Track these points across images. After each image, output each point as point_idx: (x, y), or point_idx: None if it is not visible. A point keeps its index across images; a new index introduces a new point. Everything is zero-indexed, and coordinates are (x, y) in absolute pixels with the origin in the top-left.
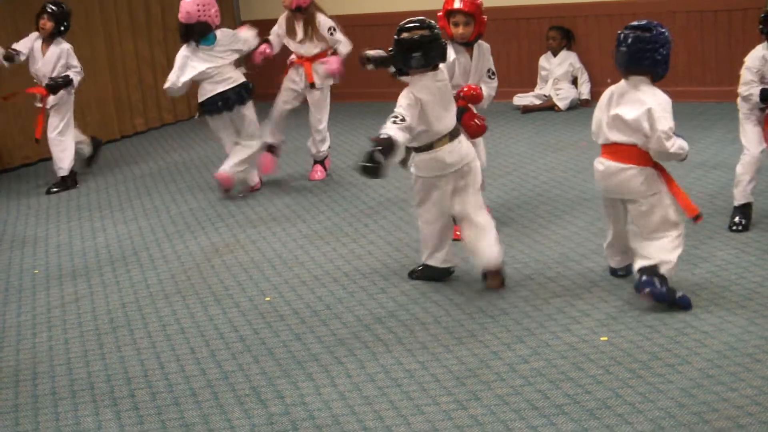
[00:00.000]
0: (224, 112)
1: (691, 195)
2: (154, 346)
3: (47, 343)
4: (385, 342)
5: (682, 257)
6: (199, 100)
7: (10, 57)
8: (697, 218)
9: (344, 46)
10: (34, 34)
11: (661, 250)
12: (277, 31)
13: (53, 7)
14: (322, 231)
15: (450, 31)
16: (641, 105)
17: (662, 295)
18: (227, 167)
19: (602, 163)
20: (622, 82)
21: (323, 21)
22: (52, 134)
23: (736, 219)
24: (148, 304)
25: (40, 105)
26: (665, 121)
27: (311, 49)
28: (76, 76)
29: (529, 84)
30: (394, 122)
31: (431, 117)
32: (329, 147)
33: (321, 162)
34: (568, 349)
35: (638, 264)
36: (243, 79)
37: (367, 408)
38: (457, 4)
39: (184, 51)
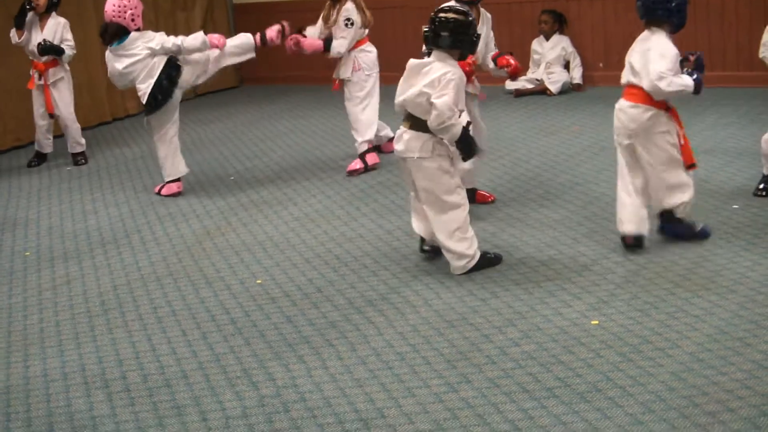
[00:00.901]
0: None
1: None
2: (145, 328)
3: (38, 326)
4: (376, 325)
5: (674, 241)
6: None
7: (45, 49)
8: (691, 167)
9: (340, 45)
10: (29, 15)
11: (673, 195)
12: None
13: None
14: (314, 214)
15: None
16: (647, 50)
17: (682, 235)
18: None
19: (618, 102)
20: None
21: (348, 8)
22: (64, 111)
23: (761, 186)
24: (139, 287)
25: (41, 83)
26: (658, 64)
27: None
28: (68, 50)
29: (522, 68)
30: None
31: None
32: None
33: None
34: (559, 332)
35: (657, 209)
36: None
37: (359, 390)
38: None
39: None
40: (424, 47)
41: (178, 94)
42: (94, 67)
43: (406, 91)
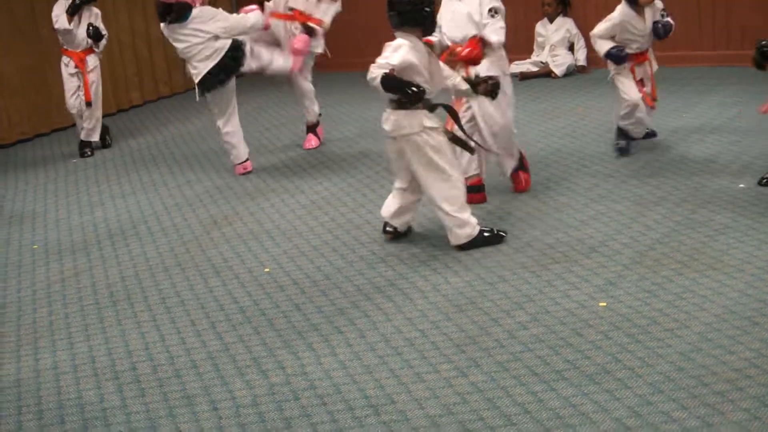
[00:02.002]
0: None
1: (689, 160)
2: (154, 319)
3: (48, 318)
4: (384, 311)
5: (680, 222)
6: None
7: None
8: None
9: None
10: (61, 6)
11: None
12: None
13: None
14: (321, 201)
15: None
16: None
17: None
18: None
19: None
20: None
21: None
22: (97, 100)
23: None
24: (147, 278)
25: (76, 71)
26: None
27: (310, 7)
28: (100, 36)
29: (526, 51)
30: None
31: None
32: (320, 114)
33: (314, 129)
34: (567, 315)
35: None
36: (228, 43)
37: (368, 377)
38: None
39: (161, 26)
40: None
41: (233, 80)
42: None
43: None
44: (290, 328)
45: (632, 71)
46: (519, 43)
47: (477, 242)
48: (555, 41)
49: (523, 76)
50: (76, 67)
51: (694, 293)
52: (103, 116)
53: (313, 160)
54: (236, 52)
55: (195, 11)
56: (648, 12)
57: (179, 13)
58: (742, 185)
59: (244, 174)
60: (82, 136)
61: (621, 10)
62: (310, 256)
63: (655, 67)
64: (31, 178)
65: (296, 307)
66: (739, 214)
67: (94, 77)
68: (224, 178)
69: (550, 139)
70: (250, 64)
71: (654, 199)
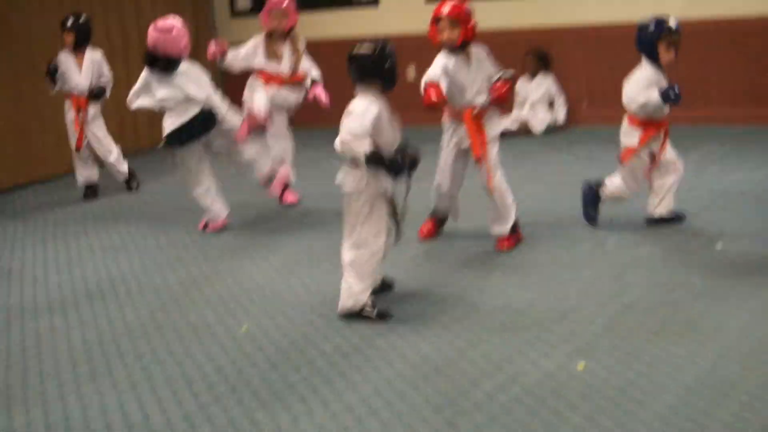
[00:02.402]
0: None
1: (665, 221)
2: (130, 378)
3: (21, 377)
4: (363, 371)
5: (657, 284)
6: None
7: (54, 70)
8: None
9: (316, 69)
10: (63, 52)
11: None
12: (244, 54)
13: (70, 21)
14: (303, 260)
15: (437, 38)
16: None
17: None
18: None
19: None
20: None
21: (302, 41)
22: (102, 148)
23: None
24: (124, 337)
25: (81, 116)
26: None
27: (289, 69)
28: (108, 84)
29: (506, 108)
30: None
31: None
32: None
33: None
34: (546, 377)
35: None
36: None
37: None
38: (444, 10)
39: (145, 73)
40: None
41: (196, 147)
42: None
43: None
44: (268, 389)
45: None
46: None
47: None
48: (535, 99)
49: (503, 134)
50: (79, 112)
51: (669, 357)
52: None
53: (294, 217)
54: (207, 118)
55: (183, 66)
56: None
57: (167, 66)
58: (719, 247)
59: (214, 231)
60: (119, 178)
61: (648, 68)
62: (289, 316)
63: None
64: (9, 233)
65: (274, 367)
66: (715, 277)
67: (99, 124)
68: (205, 237)
69: (530, 199)
70: (220, 143)
71: (630, 261)
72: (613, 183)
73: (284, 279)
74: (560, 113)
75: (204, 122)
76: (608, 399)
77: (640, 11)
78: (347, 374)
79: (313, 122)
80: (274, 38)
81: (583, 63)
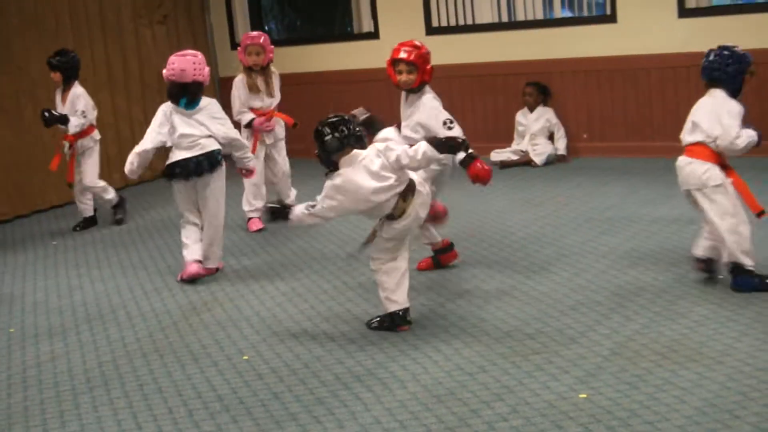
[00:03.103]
0: (188, 179)
1: (668, 250)
2: (131, 405)
3: (22, 404)
4: (363, 401)
5: (660, 313)
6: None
7: (50, 119)
8: (761, 214)
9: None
10: (58, 89)
11: (735, 246)
12: (240, 96)
13: (55, 59)
14: (301, 289)
15: (395, 78)
16: (713, 111)
17: (754, 286)
18: (195, 256)
19: (679, 159)
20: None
21: (277, 75)
22: (89, 181)
23: None
24: (125, 363)
25: (69, 152)
26: (730, 121)
27: (273, 102)
28: (75, 119)
29: (506, 139)
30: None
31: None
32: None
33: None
34: (548, 406)
35: (725, 264)
36: (214, 147)
37: None
38: (401, 54)
39: (165, 107)
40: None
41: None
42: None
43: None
44: (268, 418)
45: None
46: (499, 131)
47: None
48: (535, 130)
49: (503, 165)
50: (70, 148)
51: (674, 385)
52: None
53: (293, 246)
54: (211, 158)
55: (204, 101)
56: None
57: (195, 94)
58: (721, 276)
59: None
60: (108, 205)
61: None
62: (289, 344)
63: None
64: (10, 260)
65: (275, 395)
66: (718, 305)
67: (88, 157)
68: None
69: (531, 228)
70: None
71: (633, 290)
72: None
73: (283, 307)
74: (561, 144)
75: (203, 162)
76: (619, 420)
77: (640, 44)
78: (349, 403)
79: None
80: (253, 74)
81: (583, 95)
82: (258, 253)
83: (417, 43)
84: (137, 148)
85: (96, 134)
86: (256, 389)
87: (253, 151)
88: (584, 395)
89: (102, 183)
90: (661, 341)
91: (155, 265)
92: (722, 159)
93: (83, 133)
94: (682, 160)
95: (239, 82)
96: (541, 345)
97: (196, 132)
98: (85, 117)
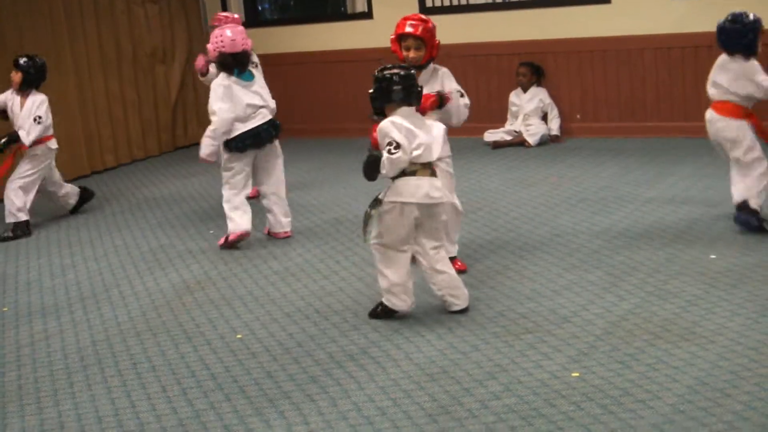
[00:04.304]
0: (252, 150)
1: (661, 230)
2: (125, 384)
3: (16, 382)
4: (357, 379)
5: (653, 292)
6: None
7: (5, 144)
8: None
9: None
10: (10, 90)
11: (753, 186)
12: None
13: (22, 60)
14: (294, 268)
15: (401, 55)
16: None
17: (755, 227)
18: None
19: (708, 113)
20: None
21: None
22: (14, 180)
23: None
24: (118, 342)
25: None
26: (762, 77)
27: None
28: (29, 128)
29: (500, 120)
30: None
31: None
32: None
33: None
34: (540, 385)
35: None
36: (270, 115)
37: None
38: (408, 29)
39: (223, 81)
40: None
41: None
42: (72, 120)
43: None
44: (262, 396)
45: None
46: (492, 112)
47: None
48: (529, 111)
49: (496, 145)
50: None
51: (666, 364)
52: (78, 178)
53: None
54: (275, 127)
55: (256, 73)
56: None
57: (245, 63)
58: (713, 256)
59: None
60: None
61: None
62: (283, 323)
63: None
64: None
65: (268, 374)
66: (710, 285)
67: (26, 162)
68: (197, 242)
69: (524, 208)
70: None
71: (626, 270)
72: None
73: (277, 287)
74: (554, 125)
75: (270, 130)
76: (611, 398)
77: (634, 25)
78: (342, 382)
79: (305, 133)
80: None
81: (576, 75)
82: (251, 232)
83: (422, 16)
84: (213, 131)
85: (53, 143)
86: (250, 368)
87: None
88: (577, 374)
89: (69, 186)
90: (654, 320)
91: (148, 244)
92: (747, 110)
93: (38, 141)
94: (713, 116)
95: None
96: (534, 324)
97: (258, 101)
98: (39, 124)
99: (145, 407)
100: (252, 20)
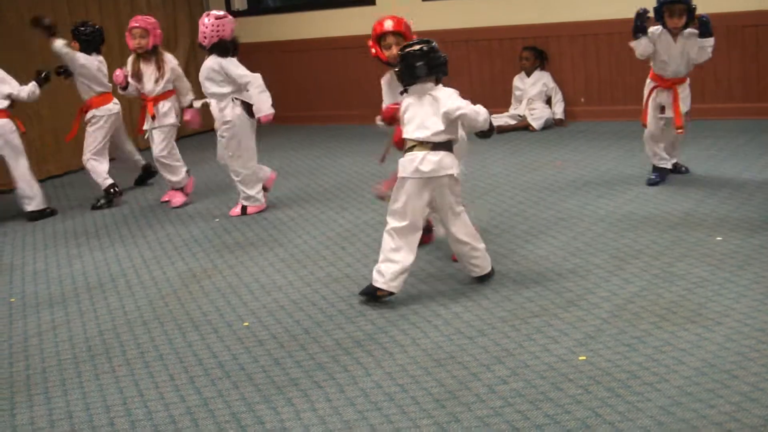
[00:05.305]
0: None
1: (666, 213)
2: (132, 373)
3: (24, 373)
4: (364, 365)
5: (658, 275)
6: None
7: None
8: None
9: (191, 93)
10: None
11: None
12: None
13: (77, 28)
14: (300, 255)
15: (384, 56)
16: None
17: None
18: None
19: None
20: None
21: (170, 60)
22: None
23: None
24: (126, 331)
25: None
26: None
27: (157, 88)
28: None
29: (504, 104)
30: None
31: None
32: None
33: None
34: (547, 369)
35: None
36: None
37: None
38: (386, 26)
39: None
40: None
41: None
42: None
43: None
44: (269, 383)
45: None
46: (497, 96)
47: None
48: (532, 95)
49: (501, 130)
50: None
51: (673, 347)
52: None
53: (292, 213)
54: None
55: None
56: (681, 40)
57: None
58: (719, 238)
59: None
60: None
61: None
62: (289, 310)
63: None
64: (9, 230)
65: (275, 361)
66: (716, 267)
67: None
68: (203, 231)
69: (529, 192)
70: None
71: (632, 253)
72: None
73: (283, 274)
74: (558, 109)
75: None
76: (618, 381)
77: (636, 7)
78: (349, 368)
79: (310, 120)
80: (141, 58)
81: (580, 59)
82: (256, 220)
83: (395, 15)
84: (261, 84)
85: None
86: (257, 355)
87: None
88: (584, 357)
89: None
90: (660, 303)
91: (154, 233)
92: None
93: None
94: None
95: (130, 61)
96: (541, 308)
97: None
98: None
99: (153, 396)
100: (254, 8)
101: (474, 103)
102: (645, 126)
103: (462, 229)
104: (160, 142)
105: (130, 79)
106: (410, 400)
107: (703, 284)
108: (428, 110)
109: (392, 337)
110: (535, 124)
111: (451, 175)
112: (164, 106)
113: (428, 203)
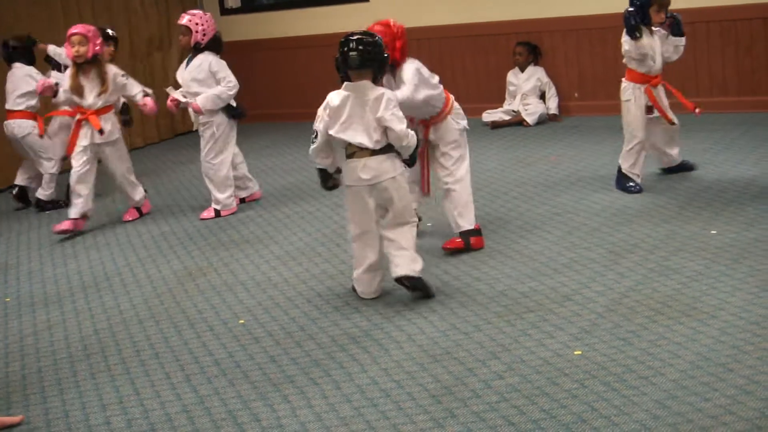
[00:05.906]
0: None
1: (661, 207)
2: (128, 372)
3: (20, 372)
4: (360, 362)
5: (653, 269)
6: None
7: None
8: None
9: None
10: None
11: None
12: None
13: (110, 31)
14: (295, 252)
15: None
16: None
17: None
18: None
19: None
20: None
21: (112, 69)
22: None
23: None
24: (121, 330)
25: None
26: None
27: (98, 102)
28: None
29: (498, 100)
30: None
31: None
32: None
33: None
34: (543, 363)
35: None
36: None
37: (344, 429)
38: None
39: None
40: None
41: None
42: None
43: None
44: (265, 380)
45: (647, 92)
46: (491, 92)
47: (421, 286)
48: (526, 90)
49: (495, 125)
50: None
51: (668, 340)
52: None
53: (287, 210)
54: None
55: None
56: (656, 36)
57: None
58: (713, 232)
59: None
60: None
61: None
62: (285, 307)
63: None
64: (4, 229)
65: (271, 359)
66: (711, 260)
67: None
68: (198, 229)
69: (523, 188)
70: None
71: (627, 247)
72: None
73: (278, 271)
74: (552, 104)
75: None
76: (614, 375)
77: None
78: (345, 365)
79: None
80: (81, 68)
81: (573, 54)
82: (252, 217)
83: (384, 21)
84: (231, 90)
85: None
86: (253, 353)
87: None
88: (579, 352)
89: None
90: (655, 297)
91: (149, 231)
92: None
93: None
94: None
95: (68, 73)
96: (536, 303)
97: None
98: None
99: (149, 394)
100: (248, 6)
101: (468, 99)
102: (671, 123)
103: (404, 236)
104: (123, 163)
105: (67, 92)
106: (406, 396)
107: (698, 278)
108: (369, 117)
109: (388, 333)
110: (529, 119)
111: (394, 178)
112: (106, 122)
113: (375, 208)
